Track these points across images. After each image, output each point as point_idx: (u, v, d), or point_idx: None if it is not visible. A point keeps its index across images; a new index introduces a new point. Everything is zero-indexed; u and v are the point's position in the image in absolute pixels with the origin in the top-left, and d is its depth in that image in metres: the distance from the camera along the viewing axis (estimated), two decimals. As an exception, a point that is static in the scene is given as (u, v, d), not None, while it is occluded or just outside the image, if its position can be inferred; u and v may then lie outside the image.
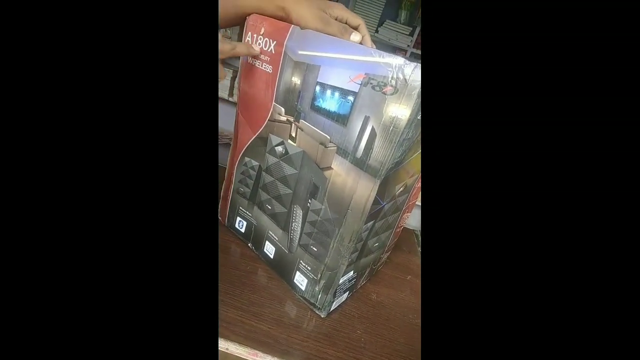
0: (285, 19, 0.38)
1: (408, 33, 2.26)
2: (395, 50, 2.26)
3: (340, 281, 0.40)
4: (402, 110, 0.29)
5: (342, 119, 0.33)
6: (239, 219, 0.50)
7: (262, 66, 0.39)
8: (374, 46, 0.35)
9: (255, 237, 0.48)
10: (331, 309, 0.43)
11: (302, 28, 0.35)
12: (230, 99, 0.96)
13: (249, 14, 0.39)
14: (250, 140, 0.44)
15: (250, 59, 0.40)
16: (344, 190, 0.35)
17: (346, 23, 0.39)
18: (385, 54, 0.29)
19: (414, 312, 0.48)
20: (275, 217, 0.44)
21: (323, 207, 0.38)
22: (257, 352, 0.35)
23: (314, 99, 0.35)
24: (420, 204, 0.54)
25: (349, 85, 0.32)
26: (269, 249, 0.46)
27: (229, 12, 0.40)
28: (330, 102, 0.34)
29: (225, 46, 0.34)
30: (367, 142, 0.32)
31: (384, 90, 0.29)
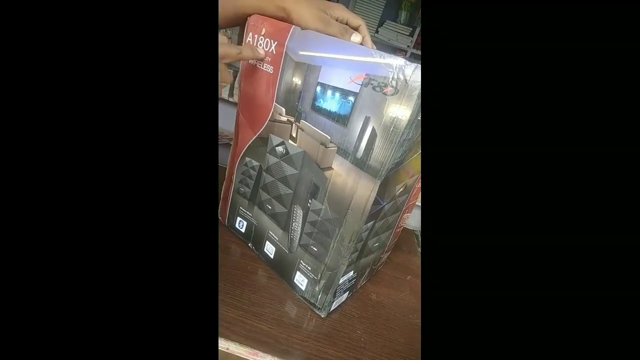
0: (285, 19, 0.38)
1: (408, 34, 2.26)
2: (395, 50, 2.27)
3: (341, 281, 0.40)
4: (403, 110, 0.29)
5: (342, 119, 0.33)
6: (239, 219, 0.50)
7: (263, 66, 0.39)
8: (375, 47, 0.35)
9: (256, 237, 0.48)
10: (331, 309, 0.43)
11: (302, 28, 0.36)
12: (231, 99, 0.96)
13: (250, 15, 0.40)
14: (251, 141, 0.45)
15: (251, 60, 0.41)
16: (345, 191, 0.35)
17: (347, 24, 0.39)
18: (385, 54, 0.29)
19: (414, 312, 0.48)
20: (275, 217, 0.44)
21: (323, 207, 0.38)
22: (258, 351, 0.35)
23: (314, 99, 0.36)
24: (420, 204, 0.54)
25: (349, 86, 0.32)
26: (269, 249, 0.47)
27: (229, 13, 0.40)
28: (331, 103, 0.34)
29: (231, 50, 0.34)
30: (367, 143, 0.32)
31: (384, 91, 0.29)
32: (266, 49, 0.38)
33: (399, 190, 0.37)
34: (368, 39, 0.39)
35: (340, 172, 0.35)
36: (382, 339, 0.42)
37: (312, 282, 0.42)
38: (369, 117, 0.31)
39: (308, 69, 0.35)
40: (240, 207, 0.49)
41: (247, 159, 0.46)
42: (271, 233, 0.46)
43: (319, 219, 0.38)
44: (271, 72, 0.39)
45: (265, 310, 0.40)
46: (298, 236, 0.42)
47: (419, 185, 0.42)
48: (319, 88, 0.35)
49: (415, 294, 0.52)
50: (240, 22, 0.41)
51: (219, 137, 0.79)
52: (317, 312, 0.42)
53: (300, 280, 0.43)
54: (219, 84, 0.30)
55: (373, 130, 0.31)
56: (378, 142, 0.31)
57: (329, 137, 0.35)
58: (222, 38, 0.32)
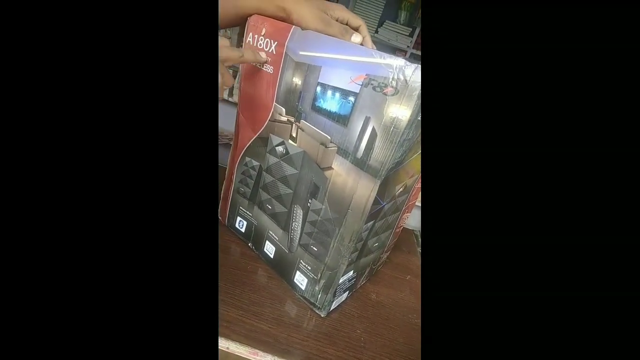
0: (286, 19, 0.38)
1: (408, 34, 2.27)
2: (394, 50, 2.27)
3: (340, 281, 0.40)
4: (403, 111, 0.29)
5: (342, 119, 0.34)
6: (239, 218, 0.50)
7: (263, 67, 0.39)
8: (375, 47, 0.35)
9: (256, 236, 0.48)
10: (331, 309, 0.43)
11: (303, 29, 0.36)
12: (230, 99, 0.96)
13: (250, 15, 0.40)
14: (251, 140, 0.45)
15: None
16: (345, 190, 0.35)
17: (347, 24, 0.39)
18: (386, 55, 0.29)
19: (414, 312, 0.48)
20: (275, 217, 0.44)
21: (323, 207, 0.38)
22: (258, 351, 0.35)
23: (314, 99, 0.36)
24: (419, 204, 0.54)
25: (349, 86, 0.32)
26: (269, 249, 0.47)
27: (229, 13, 0.40)
28: (331, 103, 0.34)
29: (233, 53, 0.34)
30: (367, 143, 0.32)
31: (384, 91, 0.30)
32: (266, 49, 0.38)
33: (399, 190, 0.38)
34: (368, 40, 0.39)
35: (341, 172, 0.35)
36: (381, 339, 0.42)
37: (312, 282, 0.42)
38: (369, 117, 0.31)
39: (308, 69, 0.35)
40: (240, 207, 0.50)
41: (247, 158, 0.46)
42: (271, 233, 0.46)
43: (319, 218, 0.39)
44: (271, 72, 0.39)
45: (265, 310, 0.40)
46: (298, 236, 0.42)
47: (419, 185, 0.42)
48: (319, 88, 0.35)
49: (415, 294, 0.52)
50: (240, 22, 0.41)
51: (219, 137, 0.79)
52: (317, 311, 0.42)
53: (300, 279, 0.43)
54: (221, 86, 0.30)
55: (373, 130, 0.31)
56: (378, 142, 0.31)
57: (329, 137, 0.35)
58: (224, 41, 0.32)
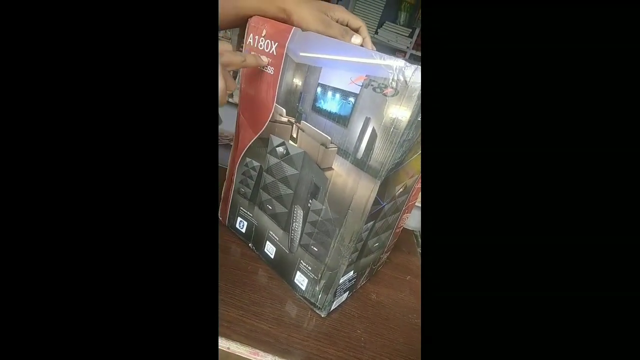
0: (286, 20, 0.38)
1: (407, 35, 2.27)
2: (394, 51, 2.27)
3: (341, 281, 0.40)
4: (403, 111, 0.29)
5: (343, 120, 0.34)
6: (239, 219, 0.50)
7: (263, 68, 0.40)
8: (375, 48, 0.36)
9: (256, 237, 0.49)
10: (331, 309, 0.43)
11: (303, 30, 0.36)
12: (231, 100, 0.96)
13: (250, 16, 0.40)
14: (252, 141, 0.45)
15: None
16: (345, 191, 0.35)
17: (347, 25, 0.39)
18: (386, 56, 0.29)
19: (414, 312, 0.48)
20: (276, 218, 0.45)
21: (324, 207, 0.38)
22: (258, 351, 0.35)
23: (315, 100, 0.36)
24: (419, 204, 0.54)
25: (350, 87, 0.32)
26: (270, 249, 0.47)
27: (229, 14, 0.40)
28: (332, 104, 0.34)
29: (236, 58, 0.34)
30: (367, 143, 0.32)
31: (384, 92, 0.30)
32: (267, 50, 0.39)
33: (399, 191, 0.38)
34: (368, 41, 0.39)
35: (341, 173, 0.35)
36: (382, 339, 0.42)
37: (312, 282, 0.42)
38: (369, 118, 0.31)
39: (309, 70, 0.35)
40: (241, 208, 0.50)
41: (248, 159, 0.46)
42: (271, 233, 0.46)
43: (320, 219, 0.39)
44: (272, 73, 0.39)
45: (265, 310, 0.40)
46: (298, 236, 0.42)
47: (419, 185, 0.42)
48: (319, 89, 0.35)
49: (415, 294, 0.52)
50: (240, 23, 0.41)
51: (219, 137, 0.79)
52: (317, 311, 0.42)
53: (301, 280, 0.43)
54: (225, 91, 0.30)
55: (373, 130, 0.31)
56: (378, 143, 0.31)
57: (329, 138, 0.35)
58: (226, 45, 0.32)
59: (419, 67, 0.27)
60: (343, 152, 0.34)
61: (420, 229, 0.71)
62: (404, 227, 0.54)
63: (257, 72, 0.41)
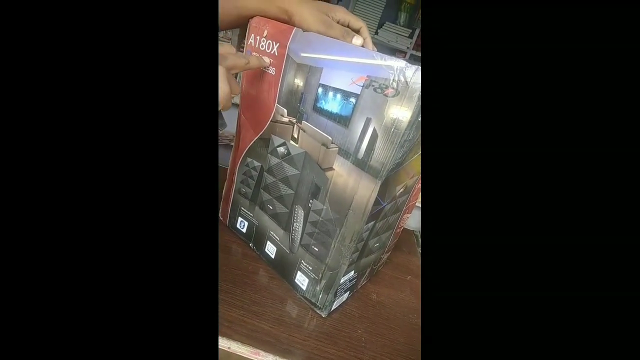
0: (287, 21, 0.38)
1: (407, 35, 2.27)
2: (394, 52, 2.27)
3: (341, 281, 0.40)
4: (403, 112, 0.29)
5: (344, 120, 0.34)
6: (240, 219, 0.51)
7: (265, 68, 0.40)
8: (375, 49, 0.36)
9: (257, 237, 0.49)
10: (332, 309, 0.43)
11: (304, 30, 0.36)
12: (232, 100, 0.96)
13: (251, 16, 0.40)
14: (253, 141, 0.45)
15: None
16: (346, 191, 0.35)
17: (348, 26, 0.39)
18: (386, 56, 0.29)
19: (414, 312, 0.48)
20: (276, 218, 0.45)
21: (324, 207, 0.38)
22: (259, 351, 0.35)
23: (316, 100, 0.36)
24: (420, 205, 0.54)
25: (351, 87, 0.32)
26: (270, 249, 0.47)
27: (230, 14, 0.40)
28: (333, 104, 0.34)
29: (240, 60, 0.34)
30: (368, 144, 0.32)
31: (385, 93, 0.30)
32: (268, 51, 0.39)
33: (400, 191, 0.38)
34: (369, 41, 0.40)
35: (342, 173, 0.35)
36: (382, 339, 0.42)
37: (313, 282, 0.42)
38: (370, 119, 0.31)
39: (310, 70, 0.36)
40: (242, 208, 0.50)
41: (249, 159, 0.46)
42: (272, 233, 0.46)
43: (320, 219, 0.39)
44: (273, 73, 0.39)
45: (266, 310, 0.41)
46: (299, 236, 0.42)
47: (419, 185, 0.42)
48: (320, 89, 0.35)
49: (415, 294, 0.52)
50: (242, 24, 0.41)
51: (220, 137, 0.79)
52: (318, 311, 0.43)
53: (302, 280, 0.43)
54: (229, 95, 0.30)
55: (374, 131, 0.31)
56: (379, 143, 0.31)
57: (330, 138, 0.36)
58: (229, 48, 0.32)
59: (420, 67, 0.27)
60: (344, 153, 0.35)
61: (420, 229, 0.71)
62: (404, 227, 0.54)
63: (258, 73, 0.41)
